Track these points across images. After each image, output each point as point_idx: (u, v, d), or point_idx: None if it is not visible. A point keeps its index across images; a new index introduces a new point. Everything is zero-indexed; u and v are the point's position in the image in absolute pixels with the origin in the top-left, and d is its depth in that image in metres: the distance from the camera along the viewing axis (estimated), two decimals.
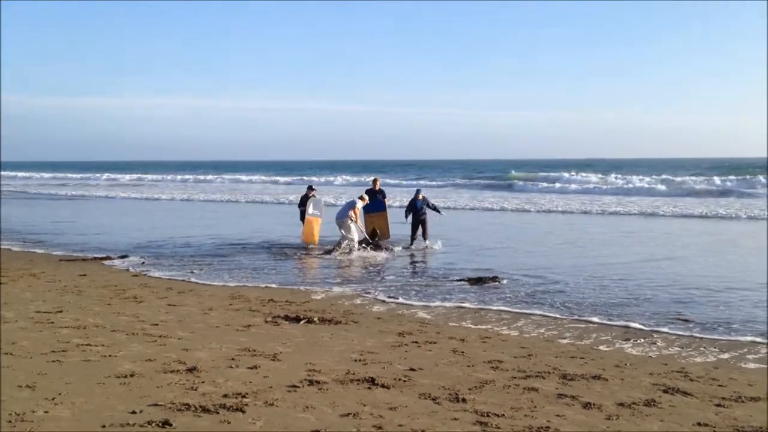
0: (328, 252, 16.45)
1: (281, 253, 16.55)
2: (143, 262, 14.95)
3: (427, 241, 17.46)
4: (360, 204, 17.06)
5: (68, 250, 16.91)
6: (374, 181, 19.30)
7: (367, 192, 18.42)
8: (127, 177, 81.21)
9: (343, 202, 19.50)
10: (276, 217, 27.66)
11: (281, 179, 70.63)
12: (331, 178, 67.07)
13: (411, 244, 17.58)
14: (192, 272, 13.65)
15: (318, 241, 17.65)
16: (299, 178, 70.53)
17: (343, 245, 16.53)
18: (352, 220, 16.63)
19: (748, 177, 46.39)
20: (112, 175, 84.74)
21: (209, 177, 77.00)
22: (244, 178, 73.76)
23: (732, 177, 47.49)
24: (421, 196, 17.98)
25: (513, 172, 66.93)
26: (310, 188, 19.01)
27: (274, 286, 12.19)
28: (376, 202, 18.21)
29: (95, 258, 15.50)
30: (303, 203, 18.46)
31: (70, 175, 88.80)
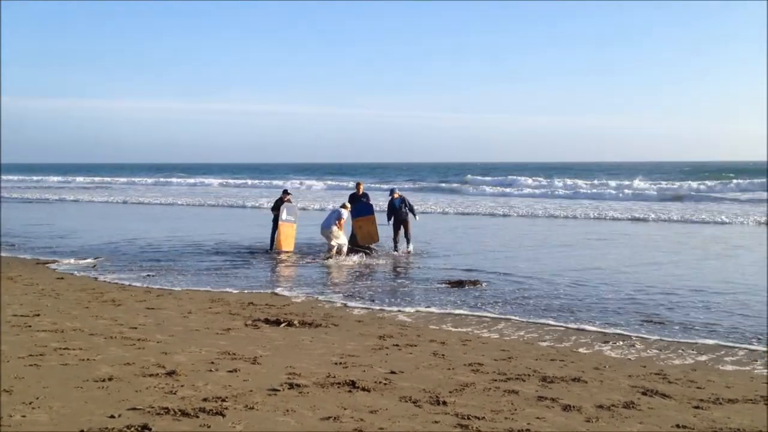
0: (328, 258, 16.12)
1: (257, 257, 16.50)
2: (95, 266, 14.76)
3: (410, 246, 17.19)
4: (345, 214, 16.72)
5: (37, 254, 16.72)
6: (357, 185, 18.98)
7: (351, 197, 18.32)
8: (104, 179, 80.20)
9: (328, 210, 19.19)
10: (246, 221, 27.56)
11: (249, 181, 70.18)
12: (299, 182, 66.55)
13: (395, 248, 17.25)
14: (148, 276, 13.55)
15: (294, 247, 17.42)
16: (268, 181, 69.76)
17: (335, 249, 16.32)
18: (337, 231, 16.38)
19: (716, 182, 47.04)
20: (97, 178, 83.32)
21: (173, 179, 76.42)
22: (212, 181, 72.80)
23: (702, 182, 48.12)
24: (397, 195, 17.69)
25: (469, 176, 66.97)
26: (285, 192, 18.44)
27: (251, 291, 12.11)
28: (363, 205, 17.87)
29: (38, 262, 15.34)
30: (277, 208, 17.91)
31: (35, 178, 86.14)
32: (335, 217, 16.52)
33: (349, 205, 17.32)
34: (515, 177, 57.78)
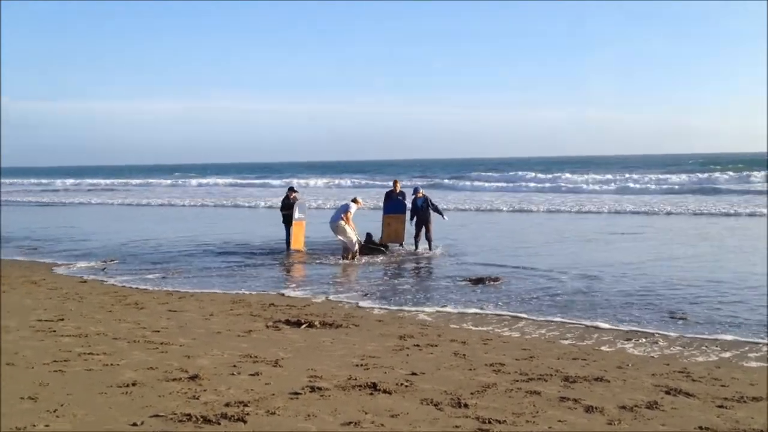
0: (344, 257, 15.98)
1: (275, 257, 16.57)
2: (104, 269, 14.86)
3: (432, 246, 16.99)
4: (354, 207, 16.46)
5: (56, 257, 16.94)
6: (394, 182, 18.84)
7: (387, 194, 18.21)
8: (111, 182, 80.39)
9: (336, 206, 18.84)
10: (255, 221, 27.66)
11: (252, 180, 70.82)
12: (309, 180, 66.87)
13: (416, 247, 17.05)
14: (165, 278, 13.64)
15: (303, 245, 17.37)
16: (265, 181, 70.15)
17: (350, 248, 16.09)
18: (344, 224, 16.13)
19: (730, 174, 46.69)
20: (106, 181, 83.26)
21: (180, 181, 77.09)
22: (219, 181, 73.42)
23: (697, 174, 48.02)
24: (420, 194, 17.44)
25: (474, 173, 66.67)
26: (291, 190, 18.18)
27: (269, 292, 12.13)
28: (395, 202, 17.77)
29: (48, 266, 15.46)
30: (285, 207, 17.68)
31: (43, 181, 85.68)
32: (342, 210, 16.36)
33: (360, 200, 17.22)
34: (523, 172, 57.84)
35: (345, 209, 16.33)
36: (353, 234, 16.19)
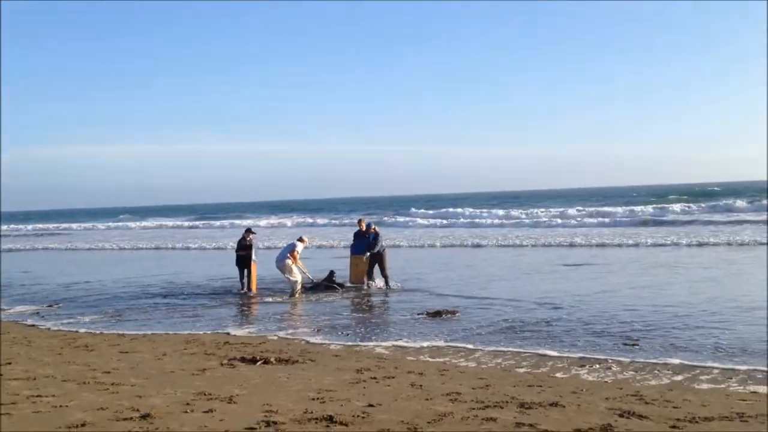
0: (291, 296, 15.92)
1: (226, 298, 16.41)
2: (38, 312, 14.50)
3: (387, 282, 16.82)
4: (300, 246, 16.45)
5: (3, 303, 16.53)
6: (359, 222, 18.69)
7: (356, 234, 18.06)
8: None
9: (283, 245, 18.48)
10: (205, 262, 27.39)
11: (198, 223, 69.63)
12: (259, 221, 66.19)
13: (368, 285, 16.89)
14: (116, 319, 13.41)
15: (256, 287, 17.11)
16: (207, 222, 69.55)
17: (293, 287, 16.09)
18: (290, 263, 16.12)
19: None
20: (50, 225, 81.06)
21: (124, 224, 75.94)
22: (168, 223, 72.48)
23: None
24: (373, 229, 17.38)
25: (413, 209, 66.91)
26: (249, 231, 17.94)
27: (220, 331, 12.00)
28: (362, 242, 17.52)
29: None
30: (241, 247, 17.39)
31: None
32: (289, 249, 16.35)
33: (306, 238, 17.23)
34: (463, 209, 58.01)
35: (292, 248, 16.34)
36: (298, 275, 16.21)
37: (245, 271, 17.08)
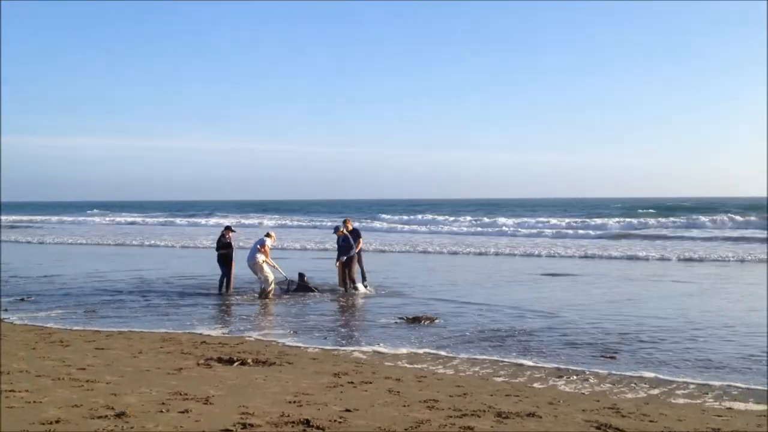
0: (261, 297, 15.89)
1: (203, 297, 16.31)
2: (6, 309, 14.11)
3: (356, 286, 16.65)
4: (269, 242, 16.42)
5: None
6: (344, 222, 18.07)
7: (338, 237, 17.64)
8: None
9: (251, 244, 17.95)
10: (174, 259, 27.23)
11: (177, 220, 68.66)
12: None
13: (348, 287, 16.76)
14: (90, 315, 13.33)
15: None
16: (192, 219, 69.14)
17: (264, 287, 16.00)
18: (262, 260, 16.07)
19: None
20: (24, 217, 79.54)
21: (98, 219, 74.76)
22: (138, 219, 71.15)
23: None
24: (341, 232, 17.16)
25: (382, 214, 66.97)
26: (228, 229, 17.65)
27: (200, 331, 11.95)
28: (339, 246, 17.28)
29: None
30: (222, 246, 17.06)
31: None
32: (257, 244, 16.33)
33: (273, 233, 17.20)
34: (443, 216, 58.17)
35: (261, 243, 16.31)
36: (270, 273, 16.11)
37: (225, 270, 16.92)
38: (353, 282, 16.78)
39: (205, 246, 33.28)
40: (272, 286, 16.08)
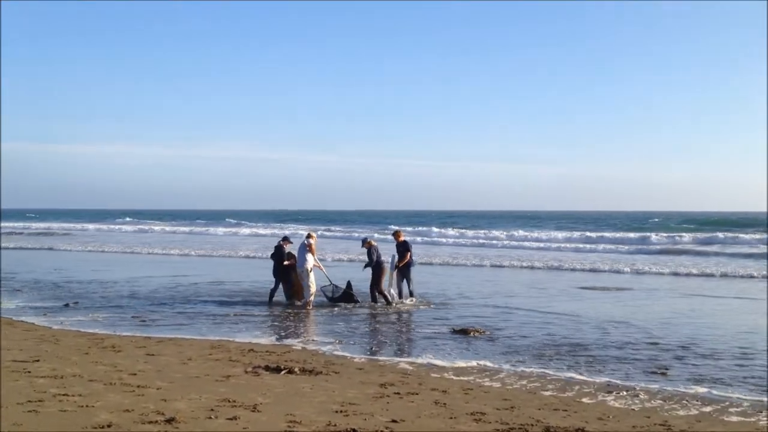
0: (300, 306, 16.00)
1: (253, 305, 16.45)
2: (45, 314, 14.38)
3: (384, 299, 16.41)
4: (312, 241, 16.47)
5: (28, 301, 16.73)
6: (395, 233, 18.01)
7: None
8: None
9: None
10: (216, 268, 27.53)
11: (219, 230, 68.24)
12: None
13: (386, 297, 16.51)
14: (140, 321, 13.58)
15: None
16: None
17: (307, 298, 16.08)
18: (311, 266, 16.13)
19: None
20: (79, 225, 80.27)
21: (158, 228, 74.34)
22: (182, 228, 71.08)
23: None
24: (368, 244, 16.98)
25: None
26: (286, 240, 17.48)
27: (254, 339, 12.07)
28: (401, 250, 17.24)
29: None
30: (283, 257, 16.79)
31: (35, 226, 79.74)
32: (303, 249, 16.30)
33: (314, 234, 17.22)
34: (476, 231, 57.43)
35: (307, 245, 16.37)
36: (314, 282, 16.13)
37: (281, 281, 16.80)
38: (382, 294, 16.53)
39: (246, 255, 33.77)
40: (312, 297, 16.07)
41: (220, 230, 67.15)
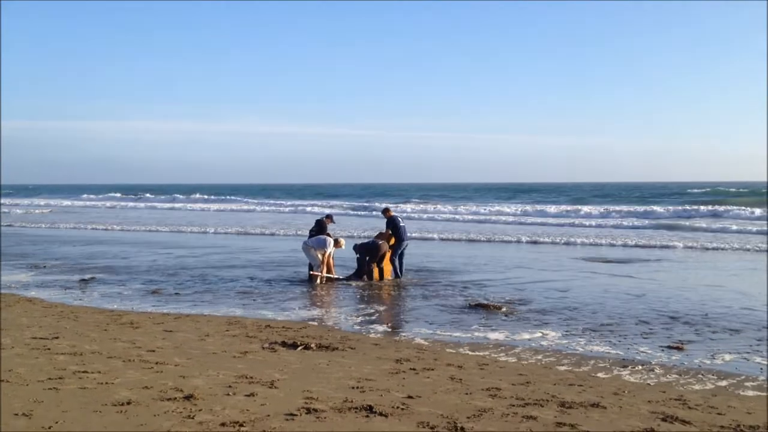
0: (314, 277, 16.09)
1: (271, 282, 16.53)
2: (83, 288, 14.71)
3: (395, 274, 16.58)
4: (331, 248, 16.28)
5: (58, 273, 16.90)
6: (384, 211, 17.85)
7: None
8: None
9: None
10: (238, 243, 27.62)
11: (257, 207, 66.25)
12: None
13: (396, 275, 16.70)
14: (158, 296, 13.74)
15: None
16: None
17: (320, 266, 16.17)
18: (328, 253, 16.16)
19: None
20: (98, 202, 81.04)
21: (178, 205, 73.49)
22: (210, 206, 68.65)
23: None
24: (390, 213, 17.13)
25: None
26: (329, 218, 17.30)
27: (270, 315, 12.15)
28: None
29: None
30: (322, 232, 16.62)
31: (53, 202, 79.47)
32: (320, 244, 16.28)
33: (342, 242, 16.87)
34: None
35: (323, 244, 16.27)
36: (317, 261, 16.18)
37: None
38: (393, 266, 16.64)
39: (266, 233, 33.86)
40: (323, 271, 16.08)
41: (233, 206, 66.71)
